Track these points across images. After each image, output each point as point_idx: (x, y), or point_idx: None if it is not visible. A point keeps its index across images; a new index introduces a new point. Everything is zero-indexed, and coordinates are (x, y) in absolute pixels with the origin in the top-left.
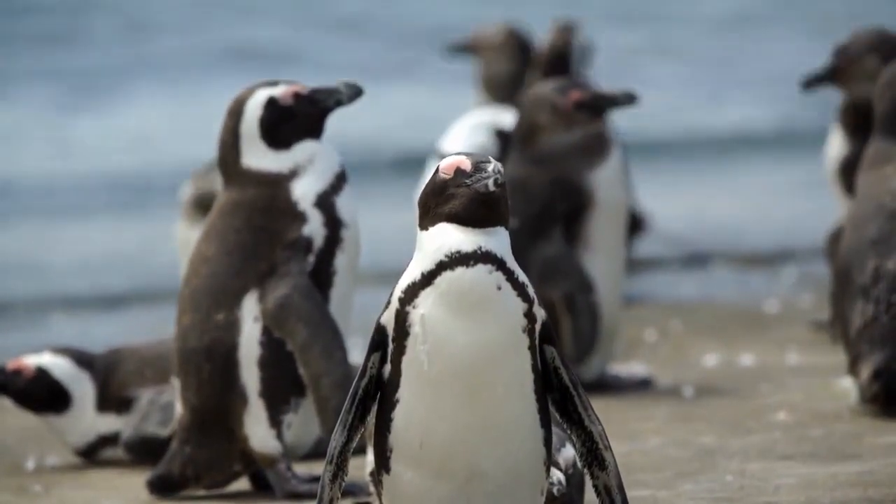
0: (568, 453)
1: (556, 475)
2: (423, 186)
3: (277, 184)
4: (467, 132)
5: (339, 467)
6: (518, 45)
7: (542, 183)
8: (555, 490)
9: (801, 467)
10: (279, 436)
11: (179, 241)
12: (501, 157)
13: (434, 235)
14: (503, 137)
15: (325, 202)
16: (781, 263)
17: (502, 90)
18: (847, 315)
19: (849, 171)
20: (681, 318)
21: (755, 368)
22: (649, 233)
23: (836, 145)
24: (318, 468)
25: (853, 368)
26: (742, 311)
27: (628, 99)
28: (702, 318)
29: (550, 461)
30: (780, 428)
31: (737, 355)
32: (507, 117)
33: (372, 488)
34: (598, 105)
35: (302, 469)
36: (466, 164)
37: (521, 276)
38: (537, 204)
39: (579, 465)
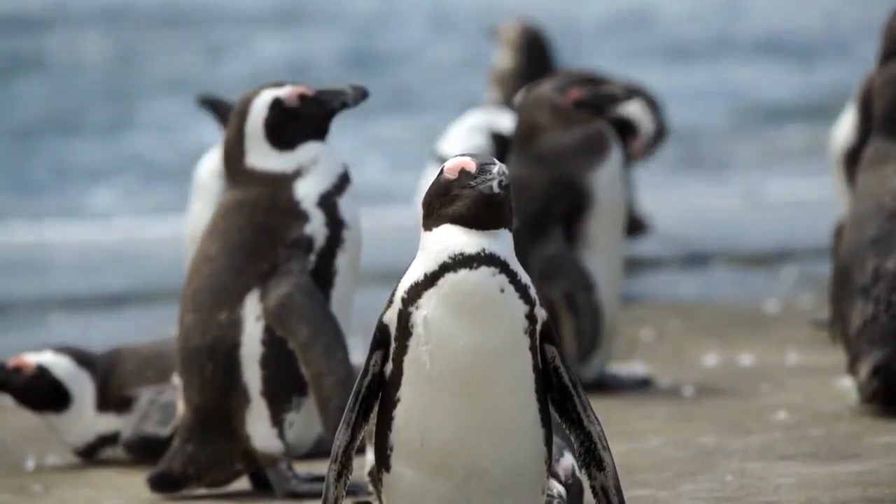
0: (567, 462)
1: (556, 488)
2: (426, 187)
3: (281, 184)
4: (465, 134)
5: (344, 466)
6: (527, 45)
7: (541, 183)
8: (555, 503)
9: (801, 467)
10: (281, 435)
11: (193, 221)
12: (499, 159)
13: (438, 237)
14: (500, 140)
15: (328, 202)
16: (781, 263)
17: (506, 86)
18: (847, 314)
19: (854, 161)
20: (680, 317)
21: (755, 368)
22: (649, 233)
23: (846, 129)
24: (318, 467)
25: (852, 367)
26: (742, 311)
27: (629, 96)
28: (701, 318)
29: (551, 460)
30: (780, 428)
31: (737, 355)
32: (504, 119)
33: (371, 487)
34: (598, 103)
35: (302, 468)
36: (471, 166)
37: (524, 278)
38: (537, 203)
39: (577, 469)
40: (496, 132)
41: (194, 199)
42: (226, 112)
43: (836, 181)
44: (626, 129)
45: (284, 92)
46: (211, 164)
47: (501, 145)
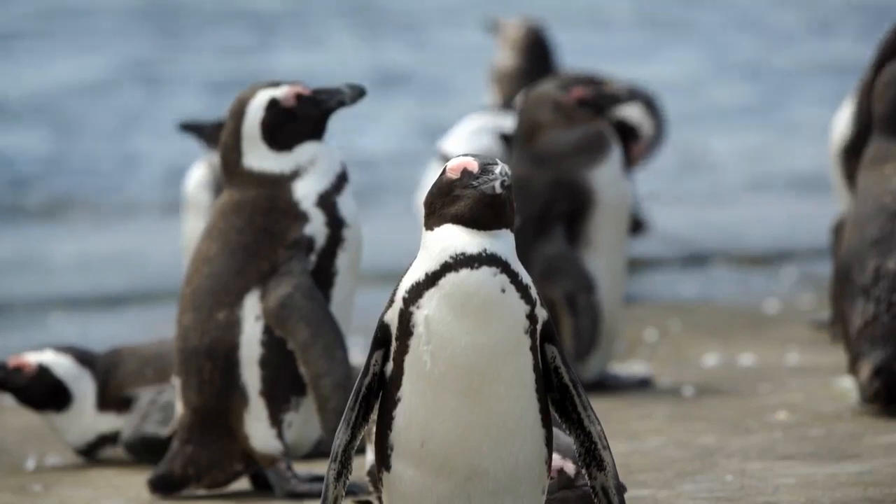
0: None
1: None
2: (428, 187)
3: (279, 184)
4: (471, 135)
5: (344, 465)
6: (531, 45)
7: (543, 182)
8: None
9: (801, 467)
10: (280, 435)
11: (188, 231)
12: (505, 161)
13: (439, 236)
14: (508, 141)
15: (327, 202)
16: (781, 263)
17: (505, 85)
18: (847, 314)
19: (850, 156)
20: (681, 317)
21: (755, 368)
22: (649, 233)
23: (843, 124)
24: (318, 468)
25: (853, 367)
26: (742, 311)
27: (631, 96)
28: (702, 318)
29: (551, 460)
30: (780, 428)
31: (737, 355)
32: (509, 121)
33: (371, 487)
34: (601, 103)
35: (302, 469)
36: (473, 166)
37: (525, 278)
38: (539, 203)
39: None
40: (503, 133)
41: (186, 213)
42: (207, 132)
43: (835, 175)
44: (626, 133)
45: (281, 92)
46: (198, 176)
47: (510, 146)
